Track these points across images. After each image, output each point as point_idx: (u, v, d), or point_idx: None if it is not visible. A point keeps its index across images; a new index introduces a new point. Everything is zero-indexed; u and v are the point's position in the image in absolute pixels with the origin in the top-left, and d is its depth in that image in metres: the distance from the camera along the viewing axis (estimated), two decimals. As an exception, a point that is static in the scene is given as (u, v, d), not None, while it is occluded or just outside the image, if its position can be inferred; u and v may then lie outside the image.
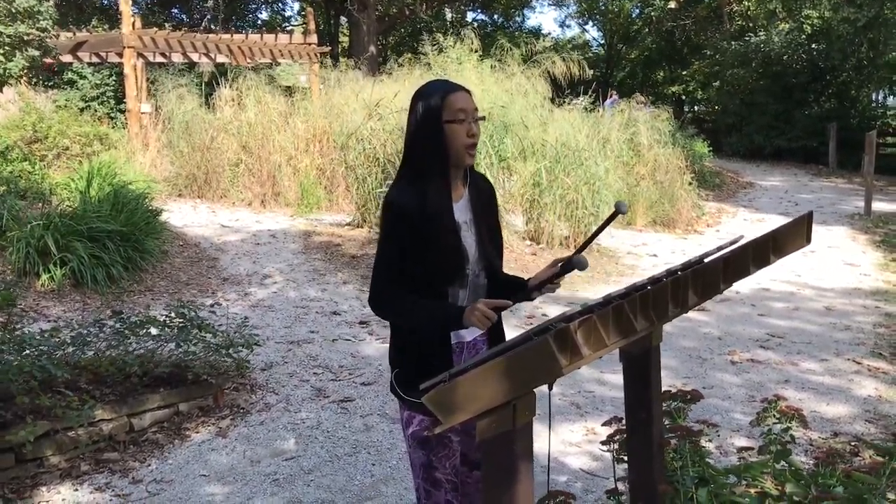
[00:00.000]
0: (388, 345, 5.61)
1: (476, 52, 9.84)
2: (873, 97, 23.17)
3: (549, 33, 39.48)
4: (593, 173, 8.99)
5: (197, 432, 4.33)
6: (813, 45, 20.10)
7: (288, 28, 28.14)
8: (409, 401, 2.45)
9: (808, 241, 2.37)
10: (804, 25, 19.72)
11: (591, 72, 9.81)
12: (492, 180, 8.09)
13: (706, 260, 2.29)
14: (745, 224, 11.97)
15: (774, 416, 2.74)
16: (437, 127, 2.28)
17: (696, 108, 27.65)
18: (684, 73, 26.11)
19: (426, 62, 10.78)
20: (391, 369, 2.52)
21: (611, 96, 18.99)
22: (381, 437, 4.27)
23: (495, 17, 34.91)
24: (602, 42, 36.43)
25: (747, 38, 21.48)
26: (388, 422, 4.47)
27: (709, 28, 26.19)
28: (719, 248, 2.32)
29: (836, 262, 9.17)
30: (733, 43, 21.74)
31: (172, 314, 4.72)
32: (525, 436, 2.01)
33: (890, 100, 24.28)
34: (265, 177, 11.48)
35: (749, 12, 23.58)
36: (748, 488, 2.89)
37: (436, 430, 2.06)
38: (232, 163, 11.74)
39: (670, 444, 2.58)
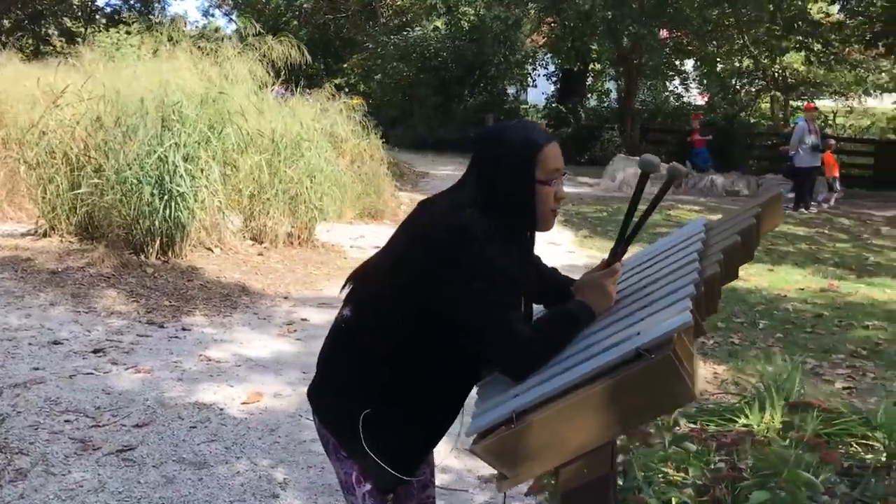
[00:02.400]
0: (141, 374, 4.84)
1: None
2: (510, 91, 25.44)
3: (197, 22, 37.52)
4: (315, 165, 8.55)
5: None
6: (466, 41, 21.49)
7: None
8: (369, 461, 1.95)
9: (781, 220, 2.29)
10: (461, 22, 20.98)
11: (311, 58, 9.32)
12: (217, 176, 7.35)
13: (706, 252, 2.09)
14: (442, 211, 12.36)
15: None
16: (528, 187, 1.89)
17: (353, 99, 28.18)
18: (344, 66, 26.44)
19: (110, 53, 9.42)
20: (349, 417, 1.95)
21: (278, 86, 18.49)
22: (193, 490, 3.51)
23: (131, 1, 32.42)
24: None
25: (405, 33, 22.32)
26: (192, 468, 3.69)
27: (361, 22, 26.78)
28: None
29: (539, 242, 9.76)
30: (392, 37, 22.47)
31: None
32: (614, 479, 1.63)
33: (523, 95, 26.81)
34: None
35: (403, 7, 24.53)
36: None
37: (504, 489, 1.60)
38: None
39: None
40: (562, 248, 9.46)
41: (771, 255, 9.68)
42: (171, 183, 6.94)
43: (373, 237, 9.79)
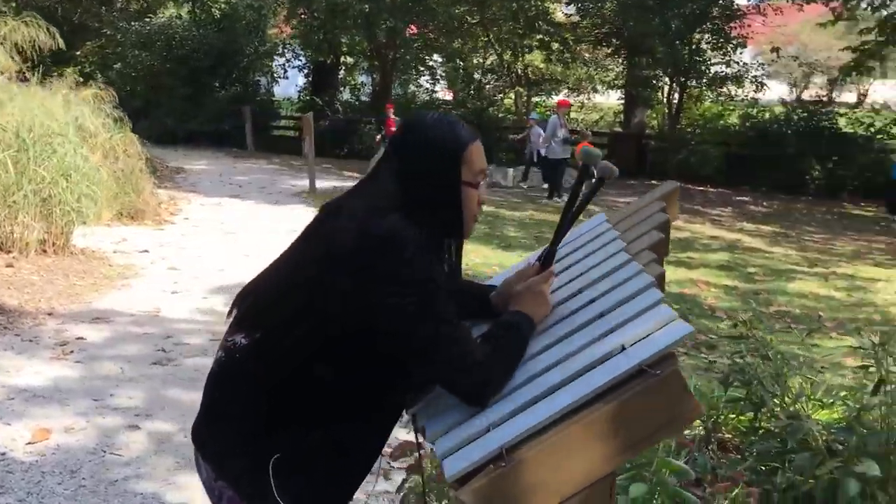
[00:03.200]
0: None
1: None
2: (262, 83, 24.62)
3: None
4: (70, 163, 7.59)
5: None
6: (214, 29, 20.43)
7: None
8: None
9: (678, 213, 2.27)
10: (212, 9, 19.88)
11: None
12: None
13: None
14: (207, 209, 11.64)
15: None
16: (454, 189, 1.70)
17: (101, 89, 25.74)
18: (77, 53, 24.01)
19: None
20: (253, 465, 1.63)
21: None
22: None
23: None
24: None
25: (148, 20, 20.77)
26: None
27: (94, 7, 24.52)
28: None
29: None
30: (133, 24, 20.80)
31: None
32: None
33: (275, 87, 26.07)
34: None
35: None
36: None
37: None
38: None
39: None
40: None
41: (542, 242, 10.16)
42: None
43: (137, 240, 8.96)
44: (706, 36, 19.25)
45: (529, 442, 1.38)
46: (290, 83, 24.50)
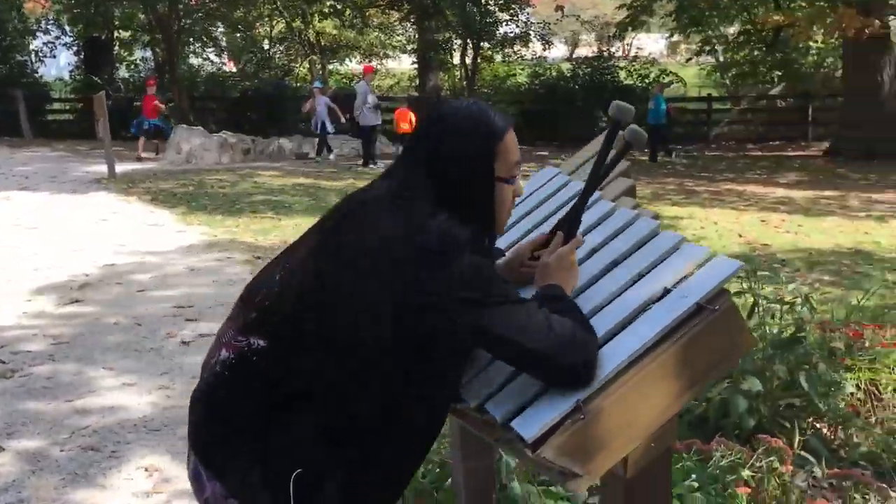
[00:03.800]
0: None
1: None
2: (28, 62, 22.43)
3: None
4: None
5: None
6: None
7: None
8: None
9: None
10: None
11: None
12: None
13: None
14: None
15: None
16: (488, 185, 1.57)
17: None
18: None
19: None
20: (275, 479, 1.46)
21: None
22: None
23: None
24: None
25: None
26: None
27: None
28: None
29: (141, 227, 8.89)
30: None
31: None
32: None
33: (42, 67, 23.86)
34: None
35: None
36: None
37: (580, 489, 1.42)
38: None
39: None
40: (168, 229, 8.72)
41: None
42: None
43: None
44: (493, -3, 19.87)
45: (603, 391, 1.39)
46: (57, 63, 22.51)
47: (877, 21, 14.20)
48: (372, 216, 1.52)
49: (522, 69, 20.98)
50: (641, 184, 13.26)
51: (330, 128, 15.13)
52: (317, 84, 16.90)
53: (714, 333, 1.42)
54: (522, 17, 20.19)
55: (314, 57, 22.56)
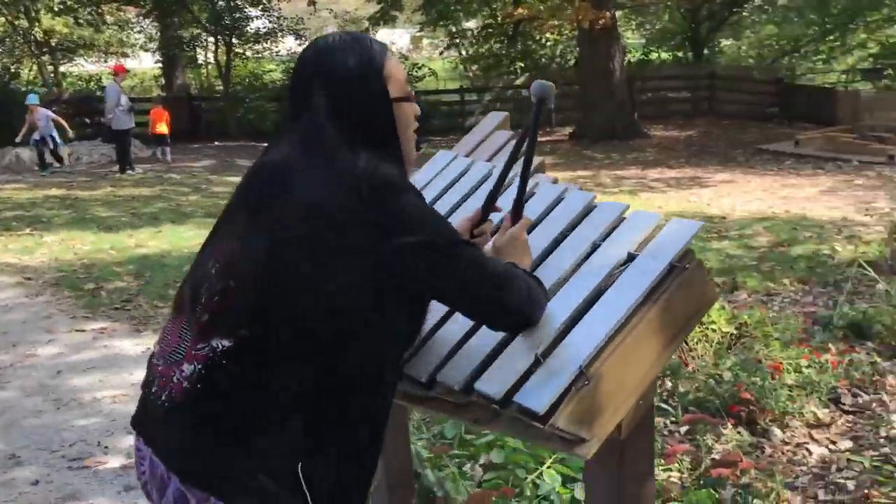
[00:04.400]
0: None
1: None
2: None
3: None
4: None
5: None
6: None
7: None
8: None
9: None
10: None
11: None
12: None
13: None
14: None
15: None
16: (388, 109, 1.51)
17: None
18: None
19: None
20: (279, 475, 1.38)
21: None
22: None
23: None
24: None
25: None
26: None
27: None
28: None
29: None
30: None
31: None
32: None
33: None
34: None
35: None
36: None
37: (589, 454, 1.47)
38: None
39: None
40: None
41: (142, 218, 9.47)
42: None
43: None
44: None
45: (600, 355, 1.43)
46: None
47: (607, 13, 15.59)
48: (295, 181, 1.44)
49: (277, 66, 20.60)
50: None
51: (59, 141, 13.91)
52: (31, 100, 14.69)
53: (688, 289, 1.50)
54: (275, 13, 19.79)
55: (44, 58, 20.57)
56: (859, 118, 16.46)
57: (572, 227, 1.73)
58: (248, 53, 20.58)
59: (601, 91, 17.03)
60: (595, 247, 1.64)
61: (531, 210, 1.80)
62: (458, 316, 1.60)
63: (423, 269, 1.41)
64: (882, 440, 3.37)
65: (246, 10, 19.36)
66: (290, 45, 20.15)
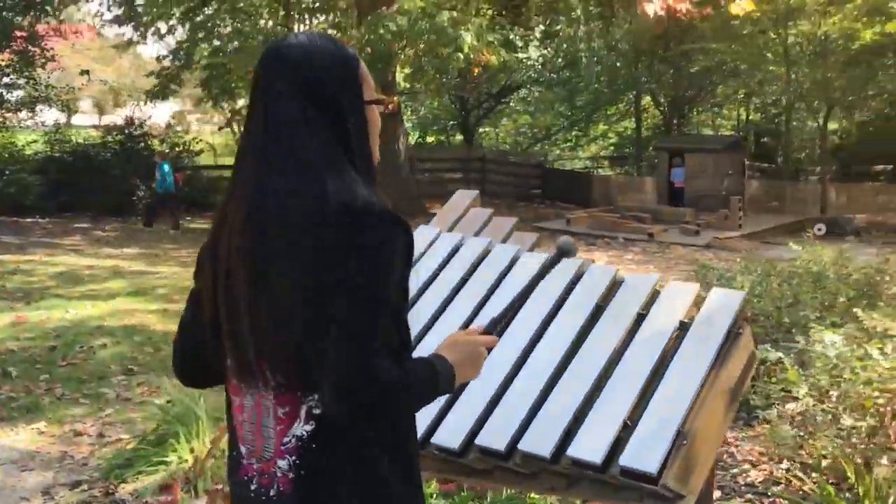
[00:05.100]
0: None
1: None
2: None
3: None
4: None
5: None
6: None
7: None
8: None
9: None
10: None
11: None
12: None
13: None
14: None
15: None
16: (361, 113, 1.47)
17: None
18: None
19: None
20: None
21: None
22: None
23: None
24: None
25: None
26: None
27: None
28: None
29: None
30: None
31: None
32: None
33: None
34: None
35: None
36: None
37: None
38: None
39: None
40: None
41: None
42: None
43: None
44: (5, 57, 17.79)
45: (693, 415, 1.59)
46: None
47: (395, 98, 16.27)
48: (285, 201, 1.37)
49: (44, 134, 19.09)
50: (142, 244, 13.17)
51: None
52: None
53: (742, 351, 1.72)
54: (42, 82, 18.42)
55: None
56: (612, 200, 18.41)
57: (606, 300, 1.88)
58: (8, 120, 18.94)
59: (388, 171, 17.58)
60: (637, 319, 1.81)
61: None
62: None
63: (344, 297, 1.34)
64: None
65: (9, 77, 17.87)
66: (56, 116, 18.78)
